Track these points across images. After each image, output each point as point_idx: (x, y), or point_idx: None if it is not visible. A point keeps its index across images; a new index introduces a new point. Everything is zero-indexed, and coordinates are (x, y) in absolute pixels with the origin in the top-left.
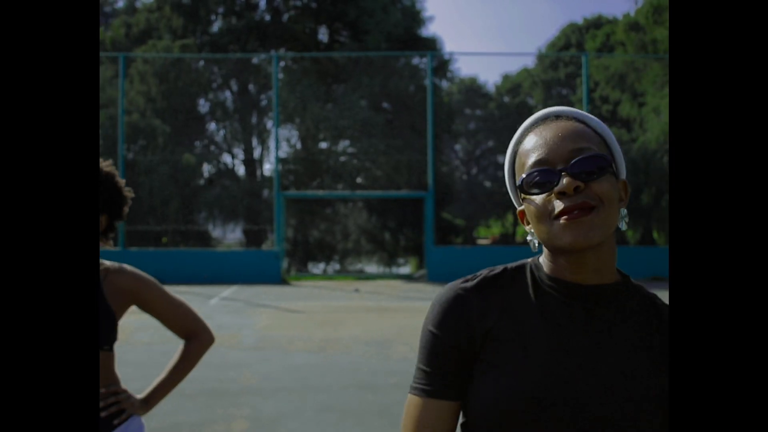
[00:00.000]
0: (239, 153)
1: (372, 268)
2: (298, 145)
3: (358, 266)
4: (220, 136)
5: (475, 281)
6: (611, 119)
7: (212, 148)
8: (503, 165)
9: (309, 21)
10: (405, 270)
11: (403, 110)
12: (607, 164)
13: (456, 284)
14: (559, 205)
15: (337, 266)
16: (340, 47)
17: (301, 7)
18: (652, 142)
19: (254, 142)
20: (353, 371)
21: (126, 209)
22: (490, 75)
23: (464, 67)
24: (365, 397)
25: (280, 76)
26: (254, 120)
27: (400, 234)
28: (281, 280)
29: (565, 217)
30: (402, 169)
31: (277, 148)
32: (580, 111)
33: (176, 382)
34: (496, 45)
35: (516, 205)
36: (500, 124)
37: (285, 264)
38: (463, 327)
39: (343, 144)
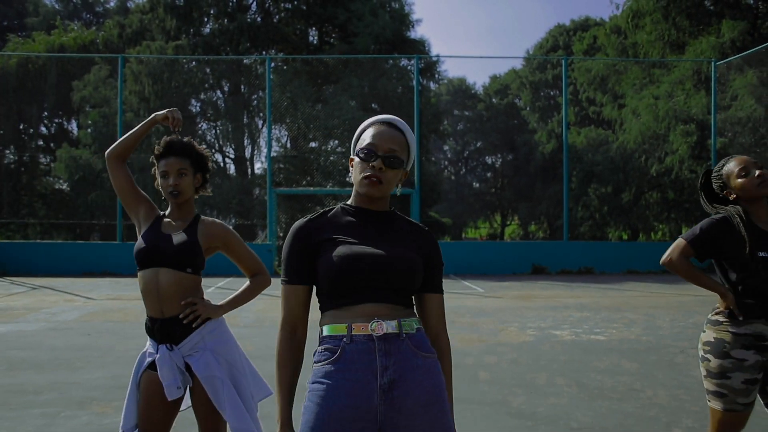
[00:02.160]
0: (230, 152)
1: None
2: (289, 145)
3: None
4: (211, 136)
5: (310, 216)
6: (597, 120)
7: (204, 146)
8: (492, 166)
9: (299, 23)
10: None
11: (391, 111)
12: (400, 165)
13: (299, 220)
14: (368, 171)
15: None
16: (330, 49)
17: (292, 9)
18: (630, 143)
19: (245, 141)
20: None
21: (210, 165)
22: (478, 76)
23: (453, 69)
24: None
25: (272, 77)
26: (245, 120)
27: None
28: (273, 273)
29: (367, 179)
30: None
31: (269, 146)
32: (403, 123)
33: (242, 301)
34: (484, 46)
35: (353, 155)
36: (488, 125)
37: (277, 257)
38: (303, 239)
39: (333, 143)
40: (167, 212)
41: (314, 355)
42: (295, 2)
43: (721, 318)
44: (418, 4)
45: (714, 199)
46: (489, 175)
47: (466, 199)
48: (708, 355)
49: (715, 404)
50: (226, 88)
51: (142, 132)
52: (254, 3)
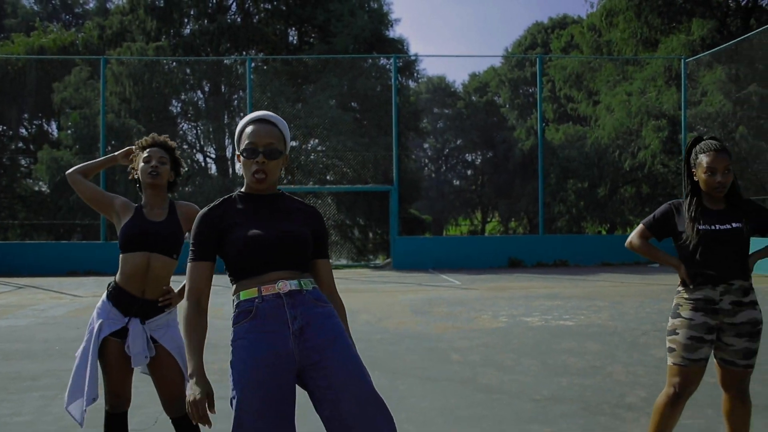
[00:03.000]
0: (211, 152)
1: (342, 262)
2: (184, 167)
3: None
4: (192, 136)
5: (211, 205)
6: (575, 117)
7: (185, 147)
8: (472, 163)
9: (279, 23)
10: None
11: (370, 109)
12: (279, 154)
13: (204, 209)
14: (254, 167)
15: None
16: (309, 49)
17: (271, 10)
18: (605, 138)
19: (226, 141)
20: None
21: (182, 171)
22: (457, 74)
23: (432, 67)
24: None
25: (252, 77)
26: (226, 119)
27: (369, 230)
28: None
29: (255, 175)
30: (369, 165)
31: None
32: (277, 119)
33: None
34: (464, 44)
35: (238, 153)
36: (468, 122)
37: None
38: (209, 224)
39: (313, 142)
40: (143, 203)
41: (232, 319)
42: (275, 3)
43: (679, 287)
44: (397, 3)
45: (688, 165)
46: (469, 172)
47: (447, 196)
48: (669, 317)
49: (669, 359)
50: (206, 89)
51: (102, 165)
52: (234, 3)
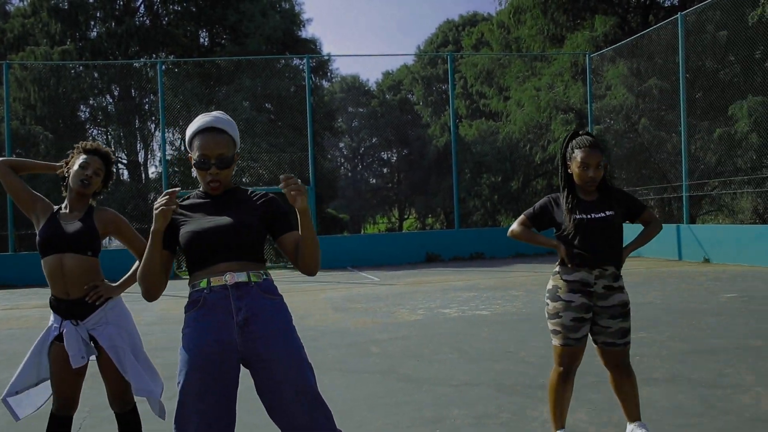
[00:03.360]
0: (123, 157)
1: None
2: (183, 148)
3: None
4: (102, 141)
5: (180, 201)
6: (488, 113)
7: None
8: (388, 161)
9: (189, 25)
10: (291, 266)
11: (284, 110)
12: (231, 161)
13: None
14: (208, 178)
15: None
16: (221, 50)
17: (181, 11)
18: (516, 133)
19: (138, 146)
20: None
21: (110, 183)
22: (371, 73)
23: (345, 67)
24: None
25: (163, 80)
26: (137, 124)
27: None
28: (173, 275)
29: (210, 184)
30: (285, 166)
31: (164, 150)
32: (227, 123)
33: (134, 280)
34: (376, 43)
35: (190, 154)
36: (383, 120)
37: (174, 261)
38: (171, 228)
39: None
40: (64, 205)
41: (184, 307)
42: (185, 4)
43: (557, 268)
44: (308, 3)
45: (564, 160)
46: (385, 170)
47: (363, 194)
48: (547, 300)
49: (555, 341)
50: (116, 93)
51: (38, 168)
52: (142, 5)
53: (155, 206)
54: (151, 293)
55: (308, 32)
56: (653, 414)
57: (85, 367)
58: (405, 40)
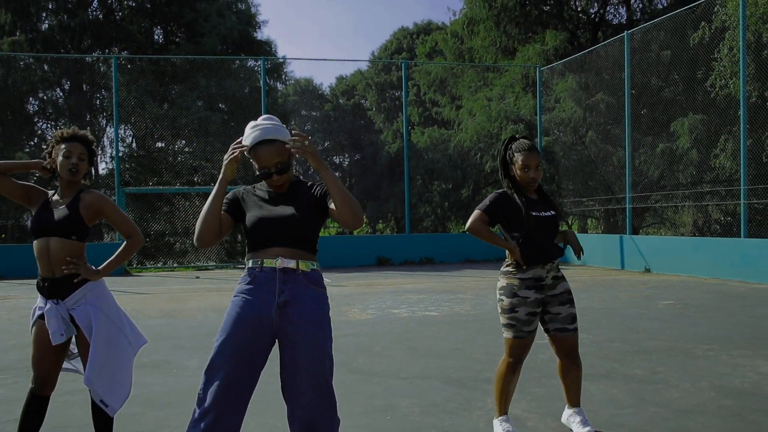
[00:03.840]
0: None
1: (211, 264)
2: (134, 144)
3: (198, 263)
4: (52, 136)
5: (241, 187)
6: (440, 121)
7: (44, 147)
8: (340, 165)
9: (143, 21)
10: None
11: (238, 111)
12: (288, 165)
13: (239, 187)
14: (274, 184)
15: (179, 260)
16: (176, 48)
17: (136, 7)
18: (467, 141)
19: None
20: (198, 326)
21: (96, 160)
22: (325, 77)
23: (300, 70)
24: (209, 341)
25: (118, 76)
26: (88, 118)
27: (237, 232)
28: (124, 271)
29: (275, 186)
30: (238, 167)
31: (117, 146)
32: (275, 131)
33: (119, 261)
34: (331, 48)
35: (248, 154)
36: (336, 125)
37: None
38: (239, 199)
39: (180, 143)
40: (57, 191)
41: (239, 280)
42: (139, 0)
43: (510, 268)
44: (264, 5)
45: (504, 163)
46: (337, 174)
47: None
48: (502, 297)
49: (507, 334)
50: (66, 87)
51: (21, 167)
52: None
53: (225, 158)
54: (203, 238)
55: (264, 34)
56: (590, 405)
57: (65, 346)
58: (359, 45)
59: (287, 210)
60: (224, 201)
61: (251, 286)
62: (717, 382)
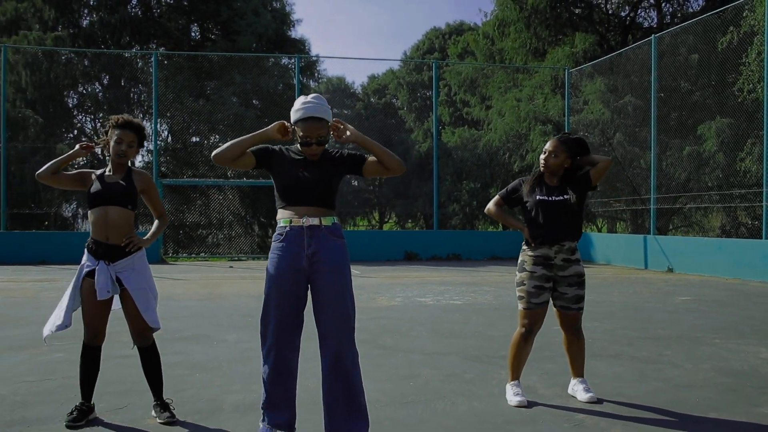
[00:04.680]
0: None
1: (243, 256)
2: (170, 138)
3: (230, 254)
4: (90, 128)
5: (281, 144)
6: (470, 121)
7: (84, 139)
8: None
9: (181, 18)
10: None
11: (272, 107)
12: (327, 139)
13: (280, 144)
14: (309, 151)
15: (213, 251)
16: (212, 45)
17: (173, 4)
18: (496, 141)
19: None
20: (234, 308)
21: (145, 142)
22: (357, 76)
23: (332, 68)
24: (245, 320)
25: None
26: (125, 113)
27: (269, 227)
28: (160, 259)
29: (310, 154)
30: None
31: (155, 139)
32: (324, 111)
33: (157, 235)
34: (363, 47)
35: (293, 126)
36: (367, 123)
37: (163, 246)
38: (271, 150)
39: (215, 138)
40: (108, 169)
41: (273, 236)
42: None
43: (524, 246)
44: (299, 4)
45: None
46: None
47: (345, 196)
48: (516, 272)
49: (520, 305)
50: (105, 81)
51: (68, 160)
52: None
53: (276, 123)
54: (220, 155)
55: (297, 32)
56: (595, 379)
57: (110, 302)
58: (391, 44)
59: (313, 176)
60: (260, 146)
61: (284, 243)
62: (718, 365)
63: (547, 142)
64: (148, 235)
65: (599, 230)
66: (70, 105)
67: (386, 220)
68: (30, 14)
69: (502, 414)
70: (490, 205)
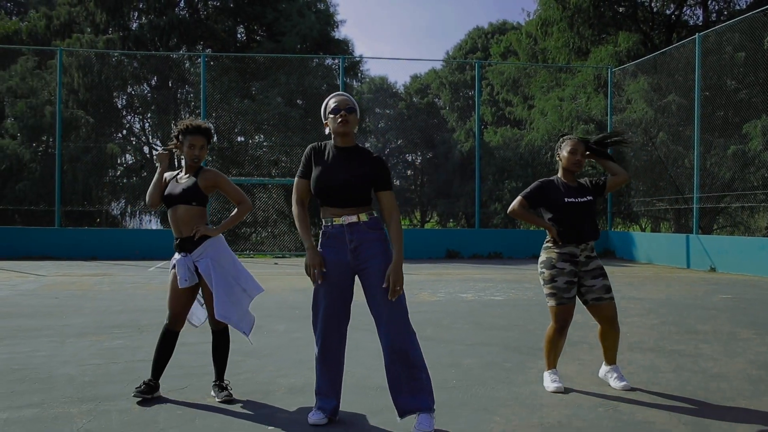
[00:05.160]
0: (157, 144)
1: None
2: (216, 138)
3: (274, 252)
4: (138, 128)
5: (316, 144)
6: (513, 120)
7: (132, 139)
8: (413, 163)
9: (227, 20)
10: None
11: (316, 107)
12: (354, 110)
13: (311, 144)
14: (339, 119)
15: (257, 247)
16: (258, 46)
17: (220, 6)
18: (537, 140)
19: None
20: (282, 301)
21: (212, 140)
22: (399, 76)
23: (375, 68)
24: (293, 312)
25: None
26: (172, 113)
27: (312, 224)
28: None
29: (339, 121)
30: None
31: None
32: (351, 99)
33: (231, 223)
34: (406, 46)
35: (323, 120)
36: (409, 123)
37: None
38: (308, 156)
39: (259, 138)
40: (181, 171)
41: (320, 232)
42: (223, 0)
43: (549, 245)
44: (342, 4)
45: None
46: (409, 172)
47: None
48: (542, 269)
49: (551, 302)
50: (153, 82)
51: (159, 181)
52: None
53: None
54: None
55: (341, 33)
56: (631, 369)
57: (192, 292)
58: (434, 44)
59: (345, 176)
60: (303, 164)
61: (329, 240)
62: (752, 358)
63: (572, 140)
64: (222, 223)
65: (643, 230)
66: (119, 105)
67: (428, 219)
68: (82, 18)
69: (540, 398)
70: (515, 206)
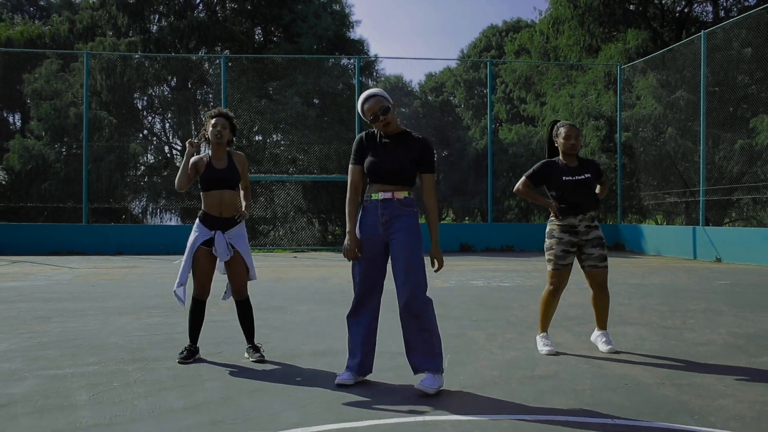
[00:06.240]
0: (177, 143)
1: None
2: (235, 137)
3: (293, 245)
4: (158, 129)
5: (368, 131)
6: (527, 117)
7: (153, 140)
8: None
9: (245, 22)
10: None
11: (332, 107)
12: (388, 110)
13: (361, 133)
14: (380, 125)
15: (276, 242)
16: (275, 47)
17: (237, 8)
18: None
19: (193, 134)
20: (302, 288)
21: (235, 128)
22: (414, 74)
23: (390, 67)
24: (313, 296)
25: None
26: (192, 113)
27: (329, 222)
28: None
29: (383, 129)
30: (332, 156)
31: None
32: (380, 93)
33: (250, 206)
34: (420, 45)
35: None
36: (424, 121)
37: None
38: (361, 143)
39: (277, 136)
40: (210, 155)
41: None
42: (241, 2)
43: (552, 218)
44: (357, 5)
45: (550, 140)
46: None
47: None
48: (546, 239)
49: (549, 266)
50: (173, 83)
51: (187, 166)
52: (201, 2)
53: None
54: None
55: (356, 33)
56: (620, 338)
57: (214, 264)
58: (449, 42)
59: (390, 158)
60: (355, 152)
61: (366, 213)
62: (733, 330)
63: (566, 126)
64: (245, 205)
65: (657, 224)
66: (140, 106)
67: (444, 216)
68: (104, 21)
69: (533, 359)
70: (520, 186)
